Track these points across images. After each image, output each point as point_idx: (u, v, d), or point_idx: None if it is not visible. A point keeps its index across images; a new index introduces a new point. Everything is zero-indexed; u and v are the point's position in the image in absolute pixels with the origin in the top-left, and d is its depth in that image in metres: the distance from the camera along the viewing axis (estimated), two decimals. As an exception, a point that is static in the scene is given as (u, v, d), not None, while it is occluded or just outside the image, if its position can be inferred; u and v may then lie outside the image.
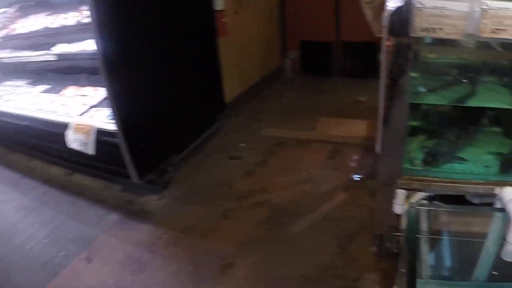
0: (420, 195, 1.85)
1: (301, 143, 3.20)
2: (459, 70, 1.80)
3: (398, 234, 1.95)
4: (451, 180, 1.60)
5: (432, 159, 1.63)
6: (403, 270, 1.24)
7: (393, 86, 1.52)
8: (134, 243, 2.20)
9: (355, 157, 2.97)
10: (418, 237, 1.02)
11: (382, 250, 1.99)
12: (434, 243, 1.52)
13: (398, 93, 1.53)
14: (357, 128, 3.38)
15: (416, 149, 1.73)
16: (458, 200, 1.95)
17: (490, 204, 1.85)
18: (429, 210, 1.43)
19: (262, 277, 1.92)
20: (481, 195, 1.82)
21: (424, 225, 1.53)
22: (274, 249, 2.10)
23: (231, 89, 3.53)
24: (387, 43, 1.41)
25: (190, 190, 2.65)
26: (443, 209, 1.26)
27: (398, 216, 1.83)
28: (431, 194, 1.90)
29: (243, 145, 3.18)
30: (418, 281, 1.00)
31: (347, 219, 2.30)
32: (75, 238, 2.28)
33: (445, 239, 1.50)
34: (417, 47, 1.58)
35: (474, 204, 1.90)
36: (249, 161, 2.95)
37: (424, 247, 1.46)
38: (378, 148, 2.46)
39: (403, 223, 1.93)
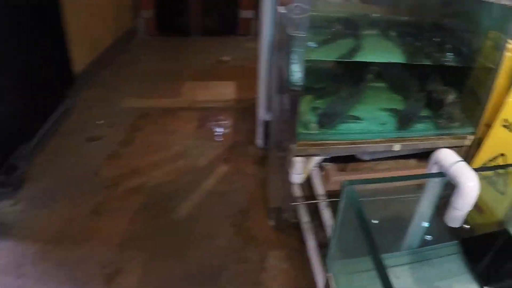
0: (315, 159, 1.73)
1: (168, 113, 2.84)
2: (342, 24, 1.69)
3: (295, 203, 1.83)
4: (350, 142, 1.50)
5: (327, 120, 1.51)
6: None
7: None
8: (-9, 270, 1.61)
9: (229, 122, 2.76)
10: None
11: (280, 223, 1.86)
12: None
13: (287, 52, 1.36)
14: (226, 90, 3.16)
15: (308, 111, 1.58)
16: (348, 158, 1.90)
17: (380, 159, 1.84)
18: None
19: (157, 279, 1.60)
20: (371, 153, 1.80)
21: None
22: (163, 242, 1.80)
23: (80, 58, 2.92)
24: None
25: (50, 185, 2.11)
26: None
27: (295, 185, 1.70)
28: (326, 157, 1.80)
29: (101, 122, 2.66)
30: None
31: (235, 193, 2.11)
32: None
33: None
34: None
35: (365, 161, 1.88)
36: (112, 141, 2.49)
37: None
38: (260, 112, 2.28)
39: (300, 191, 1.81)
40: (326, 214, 1.77)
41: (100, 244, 1.79)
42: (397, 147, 1.54)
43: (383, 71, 1.79)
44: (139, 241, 1.81)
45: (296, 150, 1.53)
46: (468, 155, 1.63)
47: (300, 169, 1.62)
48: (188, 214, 1.98)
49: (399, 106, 1.67)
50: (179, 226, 1.90)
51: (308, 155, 1.61)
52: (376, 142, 1.52)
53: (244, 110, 2.88)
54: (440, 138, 1.57)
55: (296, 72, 1.35)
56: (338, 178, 1.82)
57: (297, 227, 1.84)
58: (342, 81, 1.79)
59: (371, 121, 1.58)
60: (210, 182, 2.21)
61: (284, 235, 1.86)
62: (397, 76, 1.77)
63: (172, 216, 1.96)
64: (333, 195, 1.82)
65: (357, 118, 1.59)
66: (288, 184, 1.69)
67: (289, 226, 1.87)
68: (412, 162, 1.92)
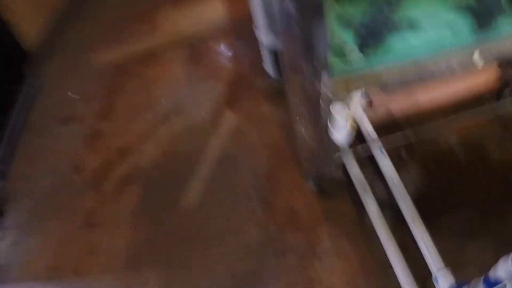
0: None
1: (147, 58, 2.23)
2: None
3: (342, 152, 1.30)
4: (410, 62, 0.89)
5: (370, 36, 0.89)
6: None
7: None
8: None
9: (227, 52, 2.12)
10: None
11: (323, 184, 1.35)
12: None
13: None
14: (211, 9, 2.45)
15: (337, 25, 0.96)
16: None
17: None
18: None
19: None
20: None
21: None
22: (176, 249, 1.40)
23: (27, 25, 2.27)
24: None
25: (34, 201, 1.67)
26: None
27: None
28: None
29: (75, 96, 2.09)
30: None
31: (253, 152, 1.58)
32: None
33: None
34: None
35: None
36: (89, 115, 1.97)
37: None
38: (261, 35, 1.62)
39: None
40: (385, 161, 1.23)
41: (102, 270, 1.36)
42: (476, 56, 0.93)
43: None
44: (147, 254, 1.38)
45: (331, 93, 0.96)
46: None
47: (342, 120, 1.05)
48: (198, 202, 1.50)
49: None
50: (191, 222, 1.44)
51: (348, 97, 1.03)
52: (446, 55, 0.91)
53: (240, 32, 2.21)
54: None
55: None
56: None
57: (347, 187, 1.33)
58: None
59: (434, 26, 0.96)
60: (216, 144, 1.68)
61: (331, 202, 1.36)
62: None
63: (179, 209, 1.49)
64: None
65: (413, 25, 0.96)
66: (327, 141, 1.13)
67: (335, 187, 1.36)
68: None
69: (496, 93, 1.58)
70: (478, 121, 1.51)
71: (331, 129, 1.07)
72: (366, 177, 1.32)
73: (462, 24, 0.96)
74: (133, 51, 2.34)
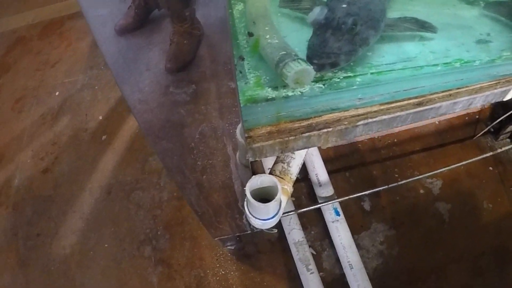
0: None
1: (50, 29, 1.70)
2: None
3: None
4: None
5: (346, 43, 0.53)
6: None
7: None
8: None
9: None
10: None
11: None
12: None
13: None
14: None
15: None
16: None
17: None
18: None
19: None
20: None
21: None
22: None
23: None
24: None
25: None
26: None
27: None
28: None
29: None
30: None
31: (158, 184, 1.13)
32: None
33: None
34: None
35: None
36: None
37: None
38: None
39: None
40: (339, 229, 0.81)
41: None
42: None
43: None
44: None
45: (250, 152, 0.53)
46: None
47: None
48: (73, 246, 1.04)
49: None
50: (61, 274, 0.98)
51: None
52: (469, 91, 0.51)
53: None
54: None
55: None
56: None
57: (281, 250, 0.91)
58: None
59: (450, 36, 0.52)
60: (110, 165, 1.21)
61: (255, 273, 0.93)
62: None
63: (49, 253, 1.04)
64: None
65: (425, 26, 0.52)
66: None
67: (265, 250, 0.93)
68: None
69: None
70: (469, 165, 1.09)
71: (248, 213, 0.62)
72: (311, 244, 0.89)
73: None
74: (36, 17, 1.79)
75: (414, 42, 0.69)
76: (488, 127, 1.17)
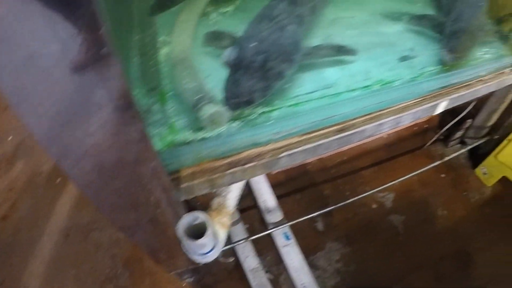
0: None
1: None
2: None
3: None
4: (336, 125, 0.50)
5: (264, 78, 0.59)
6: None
7: None
8: None
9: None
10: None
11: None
12: None
13: None
14: None
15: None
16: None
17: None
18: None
19: None
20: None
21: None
22: None
23: None
24: None
25: None
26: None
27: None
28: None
29: None
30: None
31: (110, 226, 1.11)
32: None
33: None
34: None
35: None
36: None
37: None
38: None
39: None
40: (290, 253, 0.82)
41: None
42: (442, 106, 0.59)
43: None
44: None
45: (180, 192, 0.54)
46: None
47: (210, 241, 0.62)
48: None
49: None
50: None
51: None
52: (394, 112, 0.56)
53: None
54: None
55: None
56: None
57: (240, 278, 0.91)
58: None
59: (371, 56, 0.55)
60: (64, 205, 1.21)
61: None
62: None
63: None
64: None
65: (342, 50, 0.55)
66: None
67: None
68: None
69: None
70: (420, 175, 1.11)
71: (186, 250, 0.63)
72: (268, 269, 0.90)
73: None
74: None
75: (333, 68, 0.72)
76: (437, 135, 1.20)
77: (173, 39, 0.71)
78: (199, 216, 0.64)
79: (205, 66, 0.69)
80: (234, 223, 0.94)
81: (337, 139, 0.66)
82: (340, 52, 0.70)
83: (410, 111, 0.75)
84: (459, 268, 1.07)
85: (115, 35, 0.75)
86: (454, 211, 1.13)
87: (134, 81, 0.69)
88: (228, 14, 0.80)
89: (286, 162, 0.65)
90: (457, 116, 1.21)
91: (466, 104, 1.20)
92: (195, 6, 0.77)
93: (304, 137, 0.63)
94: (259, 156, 0.62)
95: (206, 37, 0.71)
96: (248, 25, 0.64)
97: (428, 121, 1.28)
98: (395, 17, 0.88)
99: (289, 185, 1.05)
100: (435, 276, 1.03)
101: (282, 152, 0.62)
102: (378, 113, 0.70)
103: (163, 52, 0.73)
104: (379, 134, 0.75)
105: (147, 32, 0.77)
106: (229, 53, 0.60)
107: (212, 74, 0.68)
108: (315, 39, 0.76)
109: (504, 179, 1.17)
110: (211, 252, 0.68)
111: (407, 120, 0.78)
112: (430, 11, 0.91)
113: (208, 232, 0.62)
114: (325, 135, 0.65)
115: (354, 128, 0.67)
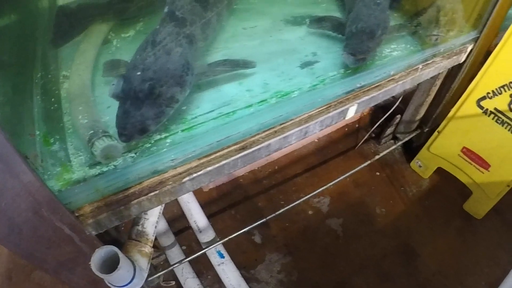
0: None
1: None
2: None
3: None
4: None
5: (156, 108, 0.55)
6: None
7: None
8: None
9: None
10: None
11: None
12: None
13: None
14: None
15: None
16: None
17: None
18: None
19: None
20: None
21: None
22: None
23: None
24: None
25: None
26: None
27: None
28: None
29: None
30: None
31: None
32: None
33: None
34: None
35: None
36: None
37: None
38: None
39: None
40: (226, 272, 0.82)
41: None
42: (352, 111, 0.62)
43: None
44: None
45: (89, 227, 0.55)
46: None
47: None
48: None
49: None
50: None
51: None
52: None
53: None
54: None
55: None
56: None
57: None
58: None
59: (271, 66, 0.58)
60: (2, 253, 1.18)
61: None
62: None
63: None
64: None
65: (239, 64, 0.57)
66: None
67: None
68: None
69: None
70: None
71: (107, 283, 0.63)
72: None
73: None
74: None
75: (231, 83, 0.73)
76: (368, 134, 1.23)
77: (71, 73, 0.71)
78: (111, 250, 0.63)
79: (106, 97, 0.69)
80: (169, 246, 0.94)
81: (240, 157, 0.67)
82: (238, 66, 0.71)
83: (316, 120, 0.77)
84: (403, 263, 1.09)
85: (19, 74, 0.75)
86: (392, 208, 1.16)
87: (38, 121, 0.68)
88: (129, 40, 0.80)
89: (191, 186, 0.65)
90: (387, 112, 1.24)
91: (395, 100, 1.24)
92: (95, 35, 0.77)
93: (204, 159, 0.64)
94: (161, 184, 0.62)
95: (104, 66, 0.71)
96: (134, 53, 0.64)
97: (359, 120, 1.31)
98: (297, 21, 0.89)
99: (223, 201, 1.05)
100: (379, 275, 1.05)
101: (184, 177, 0.63)
102: (280, 127, 0.71)
103: (65, 87, 0.72)
104: (288, 146, 0.77)
105: (49, 68, 0.77)
106: (115, 85, 0.61)
107: (114, 105, 0.68)
108: (215, 55, 0.77)
109: (440, 170, 1.20)
110: (132, 283, 0.67)
111: (315, 129, 0.80)
112: (334, 12, 0.92)
113: (121, 265, 0.62)
114: (227, 155, 0.66)
115: (257, 144, 0.69)
